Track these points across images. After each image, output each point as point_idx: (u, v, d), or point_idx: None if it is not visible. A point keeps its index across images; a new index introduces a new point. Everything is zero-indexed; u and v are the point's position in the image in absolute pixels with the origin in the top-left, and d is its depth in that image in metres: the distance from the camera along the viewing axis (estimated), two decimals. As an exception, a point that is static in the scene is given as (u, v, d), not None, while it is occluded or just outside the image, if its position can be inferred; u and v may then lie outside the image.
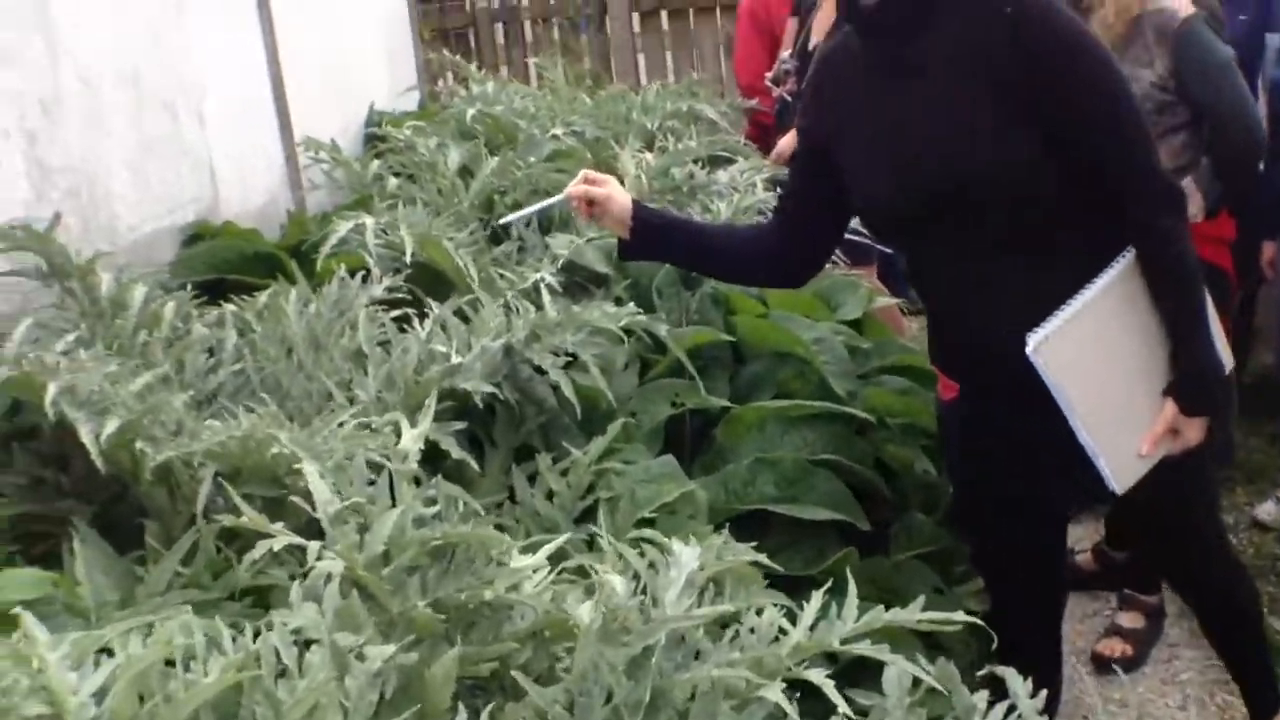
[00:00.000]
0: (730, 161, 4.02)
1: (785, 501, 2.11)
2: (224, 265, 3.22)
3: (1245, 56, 4.54)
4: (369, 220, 2.78)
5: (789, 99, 4.82)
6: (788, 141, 4.66)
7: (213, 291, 3.13)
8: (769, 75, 4.87)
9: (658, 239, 2.12)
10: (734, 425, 2.20)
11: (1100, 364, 2.01)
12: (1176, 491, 2.17)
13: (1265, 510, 3.76)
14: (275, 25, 4.00)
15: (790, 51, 4.87)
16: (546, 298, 2.27)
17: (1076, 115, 1.96)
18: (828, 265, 3.10)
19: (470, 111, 4.12)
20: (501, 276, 2.78)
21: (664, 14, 8.53)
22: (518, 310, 2.27)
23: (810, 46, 4.81)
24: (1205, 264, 2.88)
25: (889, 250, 4.04)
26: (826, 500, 2.13)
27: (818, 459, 2.16)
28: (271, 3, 4.00)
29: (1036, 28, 1.94)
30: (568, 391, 2.03)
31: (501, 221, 2.52)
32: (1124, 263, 2.03)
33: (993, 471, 2.16)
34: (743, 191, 3.30)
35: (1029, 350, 1.94)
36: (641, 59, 8.67)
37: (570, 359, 2.20)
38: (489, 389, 2.09)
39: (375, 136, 4.64)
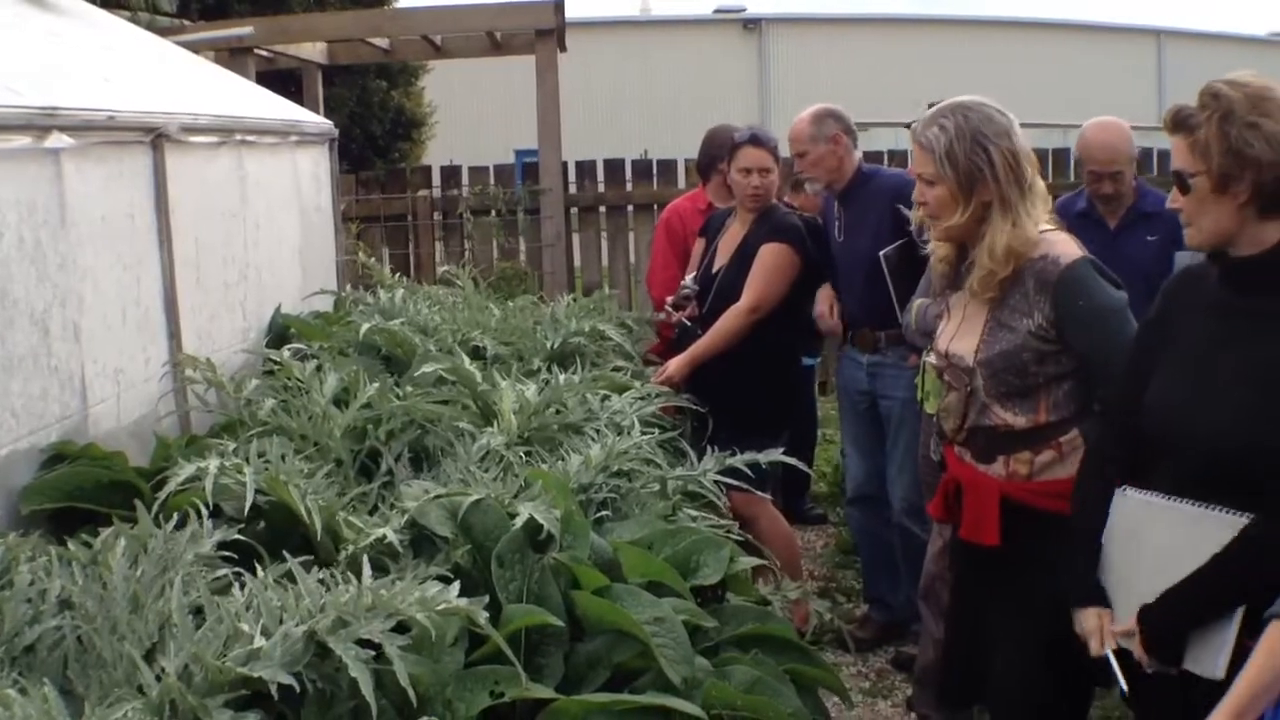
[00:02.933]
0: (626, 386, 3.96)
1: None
2: (77, 493, 3.09)
3: (1159, 274, 4.62)
4: (212, 464, 2.66)
5: (688, 324, 4.79)
6: (676, 364, 4.62)
7: (64, 522, 3.01)
8: (669, 300, 4.85)
9: None
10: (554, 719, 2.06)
11: None
12: None
13: None
14: (172, 225, 3.93)
15: (693, 275, 4.85)
16: (367, 573, 2.14)
17: None
18: (691, 521, 3.02)
19: (364, 326, 4.04)
20: (349, 525, 2.66)
21: (601, 210, 8.62)
22: (335, 583, 2.14)
23: (714, 269, 4.81)
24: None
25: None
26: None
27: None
28: (170, 203, 3.93)
29: None
30: (366, 690, 1.90)
31: None
32: None
33: None
34: (624, 432, 3.21)
35: None
36: (577, 254, 8.73)
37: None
38: (287, 679, 1.96)
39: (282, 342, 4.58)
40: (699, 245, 5.04)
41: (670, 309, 4.89)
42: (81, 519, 3.00)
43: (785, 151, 4.82)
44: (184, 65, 4.98)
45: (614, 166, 8.71)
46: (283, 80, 8.38)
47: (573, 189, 8.65)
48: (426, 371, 3.50)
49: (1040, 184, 2.98)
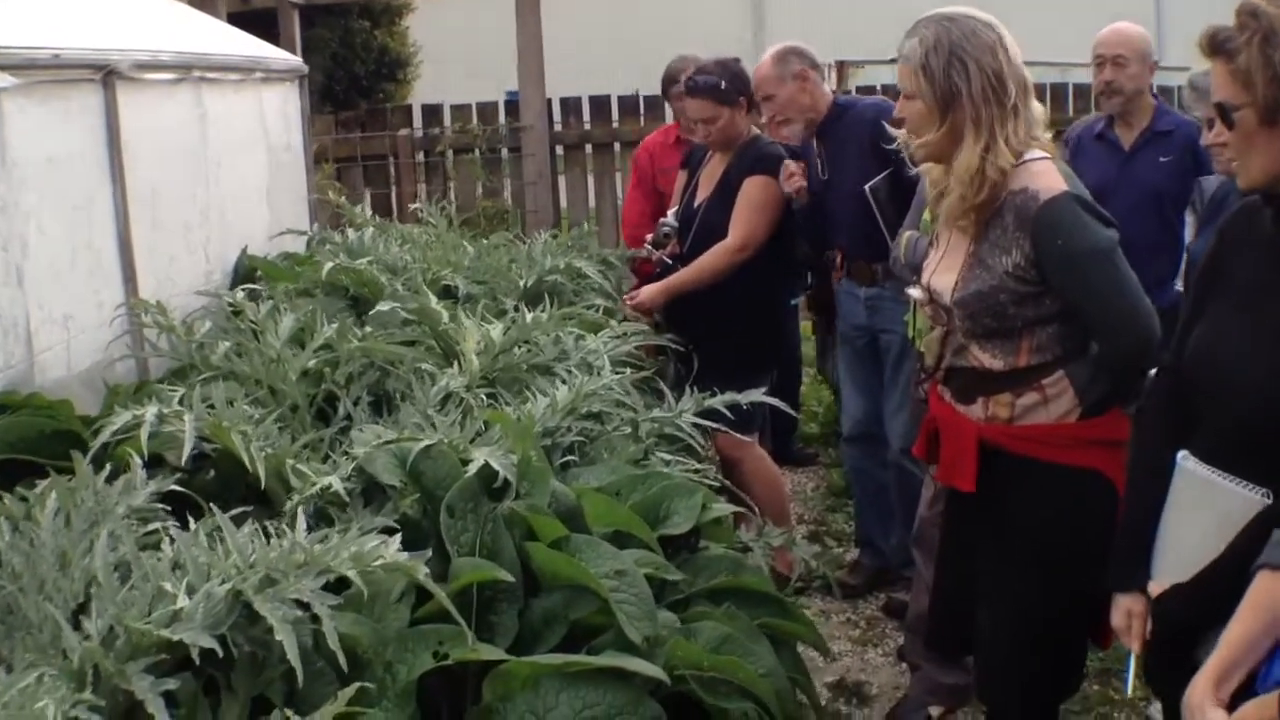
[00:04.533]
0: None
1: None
2: (19, 444, 2.92)
3: (1174, 195, 4.50)
4: (150, 412, 2.49)
5: (669, 262, 4.61)
6: (650, 291, 4.46)
7: (4, 474, 2.85)
8: (649, 238, 4.66)
9: None
10: (503, 682, 1.90)
11: None
12: None
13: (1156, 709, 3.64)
14: (125, 165, 3.75)
15: (674, 210, 4.67)
16: (301, 526, 1.99)
17: None
18: (665, 465, 2.86)
19: (327, 265, 3.86)
20: (298, 473, 2.50)
21: (588, 147, 8.41)
22: (275, 535, 1.99)
23: (696, 204, 4.62)
24: (1083, 470, 2.66)
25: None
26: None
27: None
28: (122, 140, 3.75)
29: None
30: (292, 654, 1.74)
31: None
32: None
33: None
34: (593, 372, 3.04)
35: None
36: (564, 194, 8.52)
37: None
38: (209, 643, 1.80)
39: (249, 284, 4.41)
40: (680, 178, 4.84)
41: (650, 246, 4.71)
42: (23, 471, 2.84)
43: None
44: (141, 2, 4.77)
45: (600, 103, 8.47)
46: (258, 21, 8.14)
47: (558, 127, 8.42)
48: (383, 310, 3.32)
49: (1037, 109, 2.73)
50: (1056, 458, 2.70)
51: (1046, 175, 2.68)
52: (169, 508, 2.45)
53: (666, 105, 8.33)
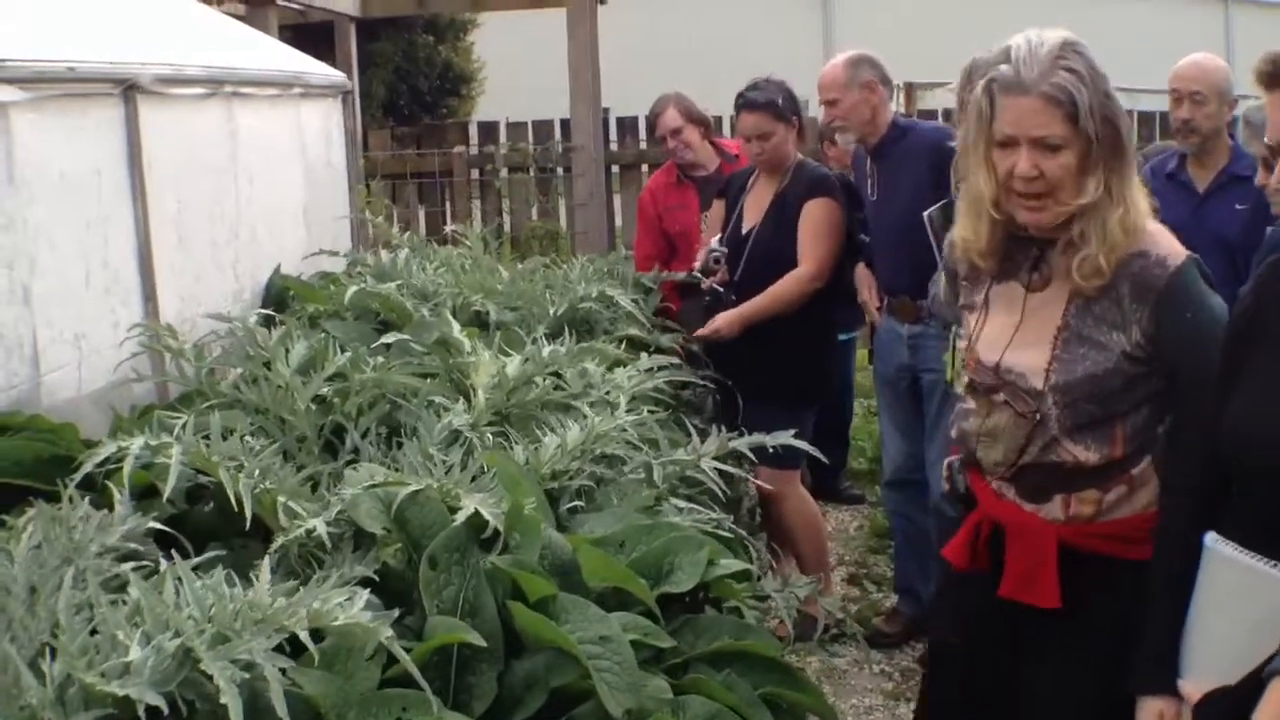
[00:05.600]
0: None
1: None
2: (12, 469, 2.83)
3: (1245, 247, 4.23)
4: (136, 443, 2.39)
5: (720, 290, 4.47)
6: (727, 319, 4.33)
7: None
8: (697, 265, 4.53)
9: None
10: (471, 754, 1.77)
11: None
12: None
13: None
14: (146, 181, 3.67)
15: (718, 238, 4.53)
16: (265, 577, 1.86)
17: None
18: (678, 513, 2.71)
19: (351, 289, 3.76)
20: (289, 512, 2.39)
21: (644, 168, 8.30)
22: (231, 588, 1.87)
23: (745, 230, 4.49)
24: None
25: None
26: None
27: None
28: (145, 156, 3.67)
29: None
30: (235, 718, 1.62)
31: None
32: None
33: None
34: (610, 410, 2.90)
35: None
36: (619, 213, 8.42)
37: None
38: (155, 700, 1.69)
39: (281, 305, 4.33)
40: (718, 207, 4.70)
41: (700, 274, 4.58)
42: (18, 496, 2.76)
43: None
44: (171, 12, 4.71)
45: (658, 123, 8.35)
46: (315, 35, 8.11)
47: (614, 146, 8.32)
48: (405, 338, 3.22)
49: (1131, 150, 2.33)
50: (1143, 554, 2.26)
51: (1164, 238, 2.32)
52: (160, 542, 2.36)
53: (725, 124, 8.23)
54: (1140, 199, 2.30)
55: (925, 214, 4.11)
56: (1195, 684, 2.00)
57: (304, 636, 1.71)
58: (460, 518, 2.15)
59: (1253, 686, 1.83)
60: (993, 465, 2.44)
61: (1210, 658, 1.99)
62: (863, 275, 4.77)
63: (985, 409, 2.45)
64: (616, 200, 8.52)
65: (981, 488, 2.50)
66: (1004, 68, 2.23)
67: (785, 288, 4.34)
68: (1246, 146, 4.16)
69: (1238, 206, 4.24)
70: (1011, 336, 2.40)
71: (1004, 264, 2.43)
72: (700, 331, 4.41)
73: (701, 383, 4.00)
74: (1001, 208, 2.32)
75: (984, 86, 2.26)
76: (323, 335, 3.20)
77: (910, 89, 8.82)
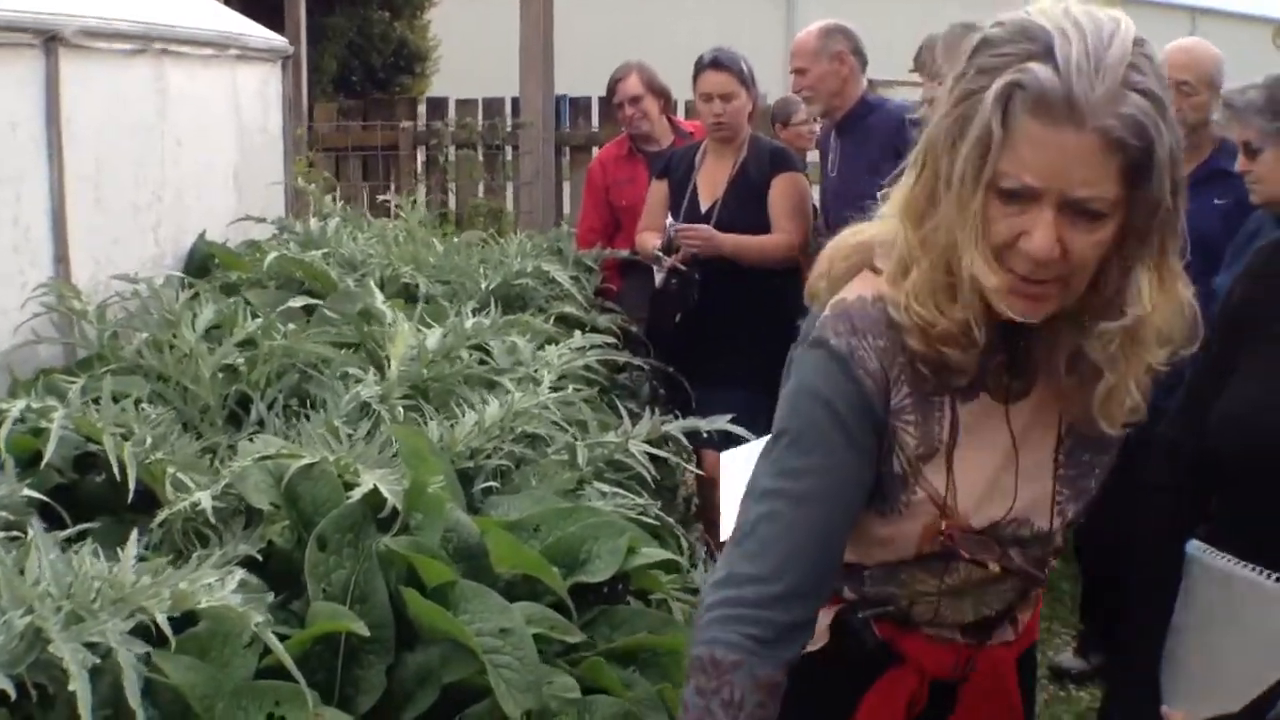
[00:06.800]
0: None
1: None
2: (-106, 434, 2.65)
3: (1220, 245, 4.03)
4: (15, 407, 2.23)
5: (682, 268, 4.30)
6: (720, 237, 4.21)
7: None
8: (656, 244, 4.35)
9: None
10: (346, 755, 1.62)
11: None
12: None
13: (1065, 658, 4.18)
14: (64, 138, 3.48)
15: (671, 220, 4.38)
16: (130, 554, 1.70)
17: None
18: (601, 497, 2.56)
19: (270, 256, 3.58)
20: (177, 485, 2.22)
21: (595, 150, 8.12)
22: (96, 563, 1.70)
23: (705, 208, 4.35)
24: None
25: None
26: None
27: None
28: (63, 112, 3.48)
29: None
30: (83, 706, 1.46)
31: None
32: None
33: None
34: (530, 388, 2.75)
35: None
36: (568, 195, 8.24)
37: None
38: (3, 684, 1.52)
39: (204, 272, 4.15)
40: (660, 188, 4.52)
41: (660, 254, 4.41)
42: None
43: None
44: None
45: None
46: (265, 6, 7.87)
47: (567, 127, 8.14)
48: (292, 307, 3.06)
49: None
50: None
51: None
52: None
53: (680, 108, 8.07)
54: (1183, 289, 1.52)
55: (880, 194, 3.96)
56: (1187, 713, 1.77)
57: (161, 620, 1.55)
58: (356, 495, 1.99)
59: (1259, 712, 1.65)
60: (951, 623, 1.71)
61: (1203, 682, 1.76)
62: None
63: (942, 569, 1.65)
64: (566, 183, 8.34)
65: (911, 641, 1.71)
66: (1041, 70, 1.35)
67: (774, 242, 4.24)
68: (1225, 132, 3.94)
69: (1216, 201, 4.04)
70: (1015, 483, 1.61)
71: (982, 377, 1.59)
72: (682, 226, 4.28)
73: (639, 364, 3.84)
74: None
75: (1000, 91, 1.37)
76: (233, 301, 3.01)
77: (872, 85, 8.70)
